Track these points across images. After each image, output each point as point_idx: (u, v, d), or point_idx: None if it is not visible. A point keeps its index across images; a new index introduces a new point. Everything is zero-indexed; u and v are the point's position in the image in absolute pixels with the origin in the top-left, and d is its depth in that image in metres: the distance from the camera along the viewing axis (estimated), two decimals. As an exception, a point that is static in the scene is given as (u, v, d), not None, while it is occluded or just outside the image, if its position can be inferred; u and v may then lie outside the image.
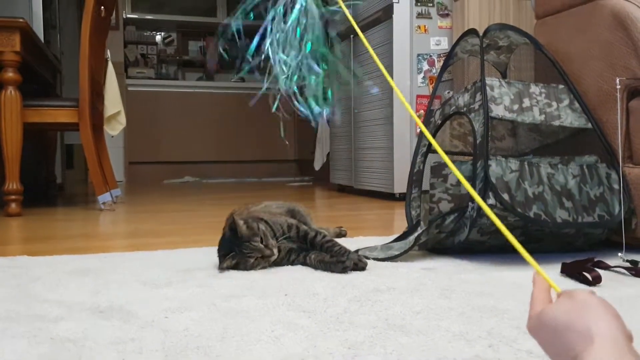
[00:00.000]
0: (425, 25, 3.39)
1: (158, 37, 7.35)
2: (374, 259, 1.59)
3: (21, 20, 2.85)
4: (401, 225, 2.14)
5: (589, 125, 1.73)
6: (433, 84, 3.33)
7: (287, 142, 6.73)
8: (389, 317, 1.04)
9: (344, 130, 4.14)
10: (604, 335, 0.53)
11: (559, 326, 0.56)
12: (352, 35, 3.94)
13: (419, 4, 3.38)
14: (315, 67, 1.15)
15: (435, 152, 1.94)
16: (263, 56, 1.15)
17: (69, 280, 1.38)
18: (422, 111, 3.32)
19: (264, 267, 1.47)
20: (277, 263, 1.50)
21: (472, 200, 1.56)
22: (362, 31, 3.77)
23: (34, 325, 1.01)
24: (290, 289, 1.26)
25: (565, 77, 1.80)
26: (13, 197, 2.86)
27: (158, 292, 1.25)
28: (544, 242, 1.62)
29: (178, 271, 1.46)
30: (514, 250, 1.74)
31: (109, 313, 1.08)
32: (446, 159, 0.75)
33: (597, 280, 1.28)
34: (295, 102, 1.14)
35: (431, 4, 3.39)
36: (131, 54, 7.03)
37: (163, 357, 0.85)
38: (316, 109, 1.14)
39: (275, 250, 1.47)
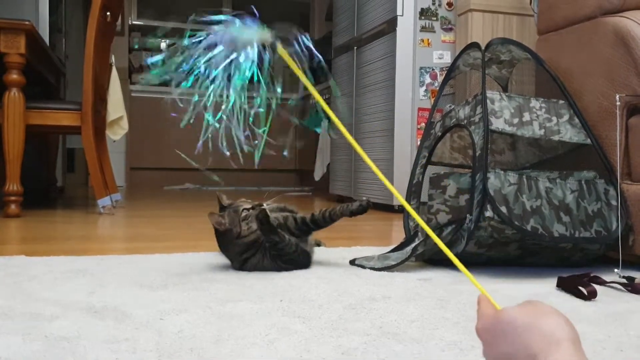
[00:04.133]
0: (428, 39, 3.41)
1: (163, 44, 7.39)
2: (371, 268, 1.59)
3: (27, 22, 2.87)
4: (399, 236, 2.14)
5: (588, 141, 1.74)
6: (435, 97, 3.34)
7: (288, 157, 6.75)
8: (384, 324, 1.04)
9: (345, 141, 4.15)
10: (570, 339, 0.53)
11: (520, 327, 0.56)
12: (355, 47, 3.96)
13: (423, 17, 3.40)
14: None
15: (435, 163, 1.95)
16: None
17: (65, 280, 1.38)
18: (423, 124, 3.33)
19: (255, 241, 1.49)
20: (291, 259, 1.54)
21: (470, 212, 1.57)
22: (366, 43, 3.79)
23: (29, 323, 1.01)
24: (286, 294, 1.26)
25: (566, 92, 1.81)
26: (13, 198, 2.87)
27: (154, 294, 1.26)
28: (541, 255, 1.62)
29: (174, 274, 1.46)
30: (510, 264, 1.75)
31: (103, 313, 1.09)
32: (417, 217, 0.77)
33: (592, 295, 1.28)
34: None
35: (435, 18, 3.41)
36: (135, 60, 7.06)
37: (156, 357, 0.85)
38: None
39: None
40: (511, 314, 0.59)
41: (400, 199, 0.81)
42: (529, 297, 0.75)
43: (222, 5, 7.29)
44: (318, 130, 5.21)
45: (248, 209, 1.52)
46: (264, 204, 1.56)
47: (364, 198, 1.60)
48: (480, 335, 0.63)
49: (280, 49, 1.04)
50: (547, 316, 0.57)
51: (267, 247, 1.51)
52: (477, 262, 1.65)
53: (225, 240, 1.54)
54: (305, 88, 0.87)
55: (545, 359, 0.52)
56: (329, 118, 4.64)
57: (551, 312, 0.57)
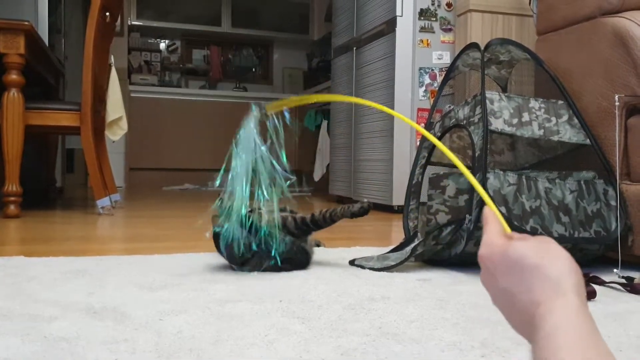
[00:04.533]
0: (428, 39, 3.41)
1: (162, 45, 7.39)
2: (370, 268, 1.59)
3: (26, 23, 2.87)
4: (398, 237, 2.14)
5: (588, 142, 1.74)
6: (434, 98, 3.34)
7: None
8: (383, 325, 1.04)
9: (344, 142, 4.15)
10: (574, 291, 0.51)
11: (527, 267, 0.54)
12: (354, 48, 3.96)
13: (422, 18, 3.40)
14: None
15: (434, 163, 1.95)
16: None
17: (65, 280, 1.38)
18: (422, 124, 3.33)
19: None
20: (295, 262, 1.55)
21: (470, 212, 1.57)
22: (365, 44, 3.79)
23: (28, 323, 1.01)
24: (285, 295, 1.26)
25: (565, 93, 1.81)
26: (12, 198, 2.87)
27: (153, 294, 1.26)
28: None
29: (174, 275, 1.46)
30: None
31: (103, 314, 1.09)
32: (455, 159, 0.74)
33: (591, 295, 1.28)
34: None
35: (434, 19, 3.41)
36: (135, 60, 7.06)
37: (155, 357, 0.85)
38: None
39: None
40: (521, 250, 0.56)
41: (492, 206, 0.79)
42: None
43: (221, 7, 7.28)
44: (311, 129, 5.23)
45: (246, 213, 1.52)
46: (263, 208, 1.56)
47: (365, 200, 1.61)
48: (483, 262, 0.60)
49: (268, 107, 1.20)
50: (557, 261, 0.54)
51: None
52: (477, 262, 1.64)
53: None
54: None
55: (550, 310, 0.50)
56: (328, 117, 4.66)
57: (561, 257, 0.54)
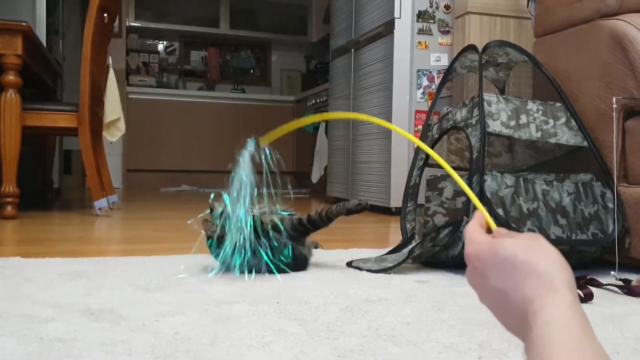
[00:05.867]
0: (426, 41, 3.41)
1: (160, 46, 7.39)
2: (368, 270, 1.59)
3: (24, 24, 2.87)
4: (396, 239, 2.14)
5: (585, 144, 1.74)
6: (432, 100, 3.35)
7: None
8: (380, 327, 1.04)
9: (342, 144, 4.15)
10: (567, 286, 0.51)
11: (518, 264, 0.53)
12: (352, 49, 3.97)
13: (420, 20, 3.40)
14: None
15: (432, 165, 1.95)
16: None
17: (61, 282, 1.37)
18: (420, 126, 3.33)
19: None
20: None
21: (467, 214, 1.57)
22: (363, 45, 3.80)
23: (24, 324, 1.01)
24: (282, 296, 1.26)
25: (563, 95, 1.81)
26: (9, 199, 2.86)
27: (150, 296, 1.25)
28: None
29: (171, 276, 1.46)
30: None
31: (99, 315, 1.08)
32: (448, 168, 0.75)
33: (589, 298, 1.28)
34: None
35: (432, 21, 3.41)
36: (133, 61, 7.06)
37: (152, 359, 0.85)
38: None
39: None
40: (510, 248, 0.55)
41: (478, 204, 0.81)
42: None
43: (220, 9, 7.28)
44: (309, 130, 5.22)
45: None
46: (253, 210, 1.56)
47: (362, 198, 1.61)
48: (470, 261, 0.59)
49: (262, 140, 1.22)
50: (547, 257, 0.53)
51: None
52: (474, 265, 1.64)
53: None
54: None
55: (542, 307, 0.49)
56: (326, 120, 4.67)
57: (550, 253, 0.54)
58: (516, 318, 0.53)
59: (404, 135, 0.79)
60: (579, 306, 0.50)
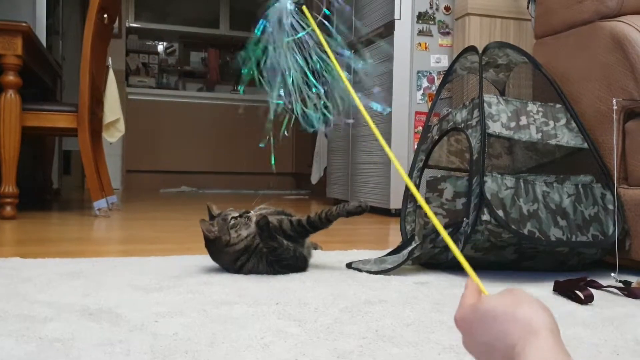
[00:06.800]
0: (426, 43, 3.41)
1: (160, 47, 7.39)
2: (367, 271, 1.59)
3: (24, 24, 2.87)
4: (396, 240, 2.14)
5: (585, 145, 1.74)
6: (432, 101, 3.35)
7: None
8: (380, 328, 1.04)
9: (342, 145, 4.15)
10: (547, 328, 0.53)
11: (499, 316, 0.56)
12: (352, 51, 3.97)
13: (420, 21, 3.40)
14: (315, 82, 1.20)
15: (432, 167, 1.95)
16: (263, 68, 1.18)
17: (60, 282, 1.37)
18: (420, 127, 3.33)
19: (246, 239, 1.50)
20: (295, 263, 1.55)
21: (467, 216, 1.57)
22: (363, 47, 3.79)
23: (23, 324, 1.01)
24: (281, 298, 1.26)
25: (563, 96, 1.81)
26: (8, 200, 2.86)
27: (149, 296, 1.25)
28: (538, 260, 1.62)
29: (170, 277, 1.46)
30: (506, 268, 1.74)
31: (98, 315, 1.08)
32: (422, 202, 0.76)
33: (589, 299, 1.27)
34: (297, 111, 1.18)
35: (432, 22, 3.41)
36: (133, 62, 7.06)
37: (151, 359, 0.85)
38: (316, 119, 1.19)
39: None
40: (489, 303, 0.58)
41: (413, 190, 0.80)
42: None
43: (220, 9, 7.28)
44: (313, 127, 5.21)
45: (236, 217, 1.52)
46: (251, 212, 1.56)
47: (361, 200, 1.60)
48: (458, 325, 0.62)
49: (305, 10, 1.09)
50: (525, 305, 0.56)
51: (264, 253, 1.50)
52: (474, 266, 1.64)
53: (216, 249, 1.54)
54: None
55: (523, 349, 0.52)
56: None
57: (529, 301, 0.57)
58: None
59: (388, 154, 0.78)
60: (561, 345, 0.52)
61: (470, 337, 0.60)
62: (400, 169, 0.74)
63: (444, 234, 0.72)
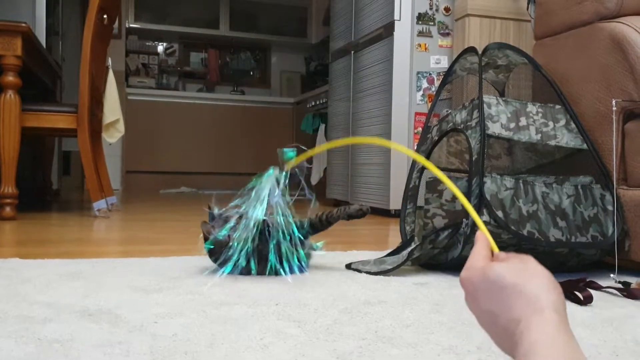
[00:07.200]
0: (425, 44, 3.41)
1: (160, 48, 7.38)
2: (367, 272, 1.59)
3: (24, 24, 2.87)
4: (395, 241, 2.14)
5: (585, 146, 1.74)
6: (431, 102, 3.35)
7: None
8: (379, 329, 1.04)
9: (341, 146, 4.15)
10: (553, 308, 0.52)
11: (507, 287, 0.55)
12: (352, 51, 3.97)
13: (420, 22, 3.40)
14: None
15: (431, 168, 1.94)
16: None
17: (60, 283, 1.37)
18: (420, 128, 3.33)
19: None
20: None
21: (467, 216, 1.57)
22: (363, 47, 3.80)
23: (22, 325, 1.01)
24: (281, 298, 1.26)
25: (563, 97, 1.81)
26: (8, 200, 2.86)
27: (148, 297, 1.25)
28: (537, 260, 1.62)
29: (170, 278, 1.46)
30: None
31: (98, 316, 1.08)
32: (442, 175, 0.76)
33: (588, 300, 1.27)
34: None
35: (432, 23, 3.41)
36: (132, 63, 7.06)
37: (150, 360, 0.85)
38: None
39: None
40: (498, 271, 0.57)
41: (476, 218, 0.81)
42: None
43: (220, 9, 7.28)
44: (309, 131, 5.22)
45: (236, 219, 1.51)
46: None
47: (362, 203, 1.61)
48: (464, 285, 0.61)
49: (288, 165, 1.22)
50: (534, 278, 0.55)
51: (264, 254, 1.50)
52: (473, 267, 1.64)
53: (215, 251, 1.53)
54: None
55: (527, 327, 0.51)
56: (325, 121, 4.67)
57: (539, 274, 0.56)
58: (507, 339, 0.54)
59: (406, 153, 0.79)
60: (566, 326, 0.51)
61: (474, 301, 0.59)
62: (471, 209, 0.73)
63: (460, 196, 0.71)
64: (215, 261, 1.52)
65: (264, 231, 1.49)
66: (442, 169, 2.01)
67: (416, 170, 1.92)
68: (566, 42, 1.93)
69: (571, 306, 1.27)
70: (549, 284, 0.55)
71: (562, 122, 1.76)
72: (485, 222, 1.49)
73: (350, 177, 3.97)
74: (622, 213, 1.66)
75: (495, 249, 0.64)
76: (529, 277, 0.55)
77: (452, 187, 0.74)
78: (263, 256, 1.49)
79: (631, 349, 0.97)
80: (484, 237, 0.65)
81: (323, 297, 1.28)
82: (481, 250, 0.63)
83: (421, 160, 0.81)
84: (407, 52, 3.39)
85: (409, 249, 1.65)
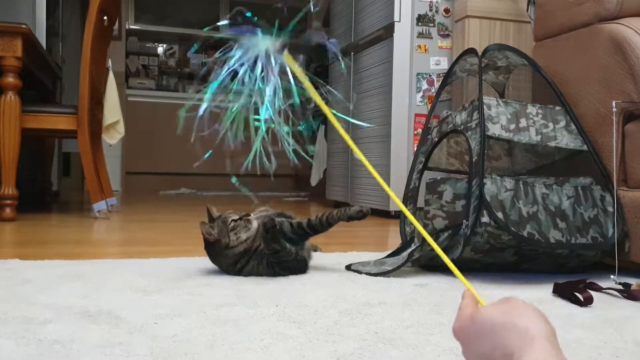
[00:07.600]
0: (425, 45, 3.41)
1: (160, 49, 7.39)
2: (367, 273, 1.59)
3: (24, 26, 2.87)
4: (395, 242, 2.14)
5: (585, 148, 1.74)
6: (431, 103, 3.35)
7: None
8: (379, 330, 1.04)
9: (341, 147, 4.15)
10: (543, 336, 0.54)
11: (496, 325, 0.57)
12: (352, 53, 3.97)
13: (420, 23, 3.40)
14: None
15: (431, 168, 1.95)
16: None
17: (60, 283, 1.37)
18: (419, 129, 3.33)
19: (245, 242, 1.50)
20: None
21: (467, 218, 1.57)
22: (363, 49, 3.80)
23: (22, 326, 1.01)
24: (281, 299, 1.26)
25: (562, 98, 1.81)
26: (8, 201, 2.85)
27: (148, 298, 1.25)
28: (537, 262, 1.62)
29: (170, 279, 1.46)
30: (506, 270, 1.74)
31: (98, 317, 1.08)
32: (416, 224, 0.77)
33: (588, 301, 1.27)
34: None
35: (432, 24, 3.42)
36: (132, 64, 7.06)
37: (150, 361, 0.85)
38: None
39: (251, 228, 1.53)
40: (487, 313, 0.59)
41: (396, 201, 0.80)
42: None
43: (220, 10, 7.29)
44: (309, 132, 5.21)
45: (236, 220, 1.52)
46: (251, 214, 1.56)
47: (362, 205, 1.61)
48: (457, 335, 0.63)
49: (287, 56, 1.03)
50: (522, 313, 0.57)
51: (264, 254, 1.50)
52: (473, 268, 1.64)
53: (215, 252, 1.54)
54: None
55: (520, 358, 0.52)
56: (325, 122, 4.67)
57: (525, 309, 0.58)
58: None
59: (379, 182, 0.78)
60: (558, 352, 0.53)
61: (469, 347, 0.61)
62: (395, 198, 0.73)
63: (436, 248, 0.73)
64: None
65: (270, 231, 1.49)
66: (442, 170, 2.01)
67: (416, 171, 1.92)
68: (566, 44, 1.93)
69: (571, 307, 1.27)
70: (537, 316, 0.57)
71: (562, 123, 1.76)
72: (485, 224, 1.49)
73: (350, 179, 3.97)
74: (622, 214, 1.66)
75: (482, 302, 0.65)
76: (517, 313, 0.57)
77: (417, 226, 0.75)
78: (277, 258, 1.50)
79: (631, 350, 0.97)
80: (469, 293, 0.66)
81: (323, 298, 1.28)
82: (468, 303, 0.64)
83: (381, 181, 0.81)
84: (407, 54, 3.39)
85: (409, 250, 1.65)
